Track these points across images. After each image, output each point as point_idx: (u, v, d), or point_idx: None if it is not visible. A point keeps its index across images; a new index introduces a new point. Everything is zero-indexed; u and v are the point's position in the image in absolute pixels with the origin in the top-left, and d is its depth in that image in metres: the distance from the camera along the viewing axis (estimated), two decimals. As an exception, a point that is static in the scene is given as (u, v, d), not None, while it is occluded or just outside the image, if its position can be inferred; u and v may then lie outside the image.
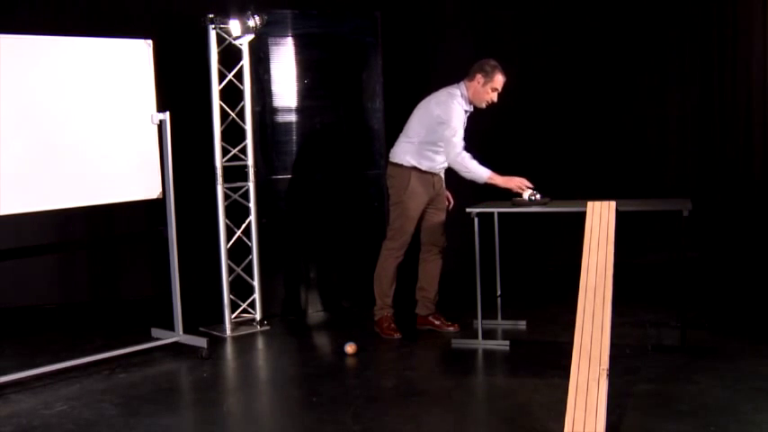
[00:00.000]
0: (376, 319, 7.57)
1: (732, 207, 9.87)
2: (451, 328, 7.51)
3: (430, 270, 7.61)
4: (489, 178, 7.15)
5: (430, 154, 7.36)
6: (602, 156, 10.14)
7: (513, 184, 7.16)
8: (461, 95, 7.33)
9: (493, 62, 7.35)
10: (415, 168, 7.35)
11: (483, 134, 10.08)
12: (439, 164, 7.43)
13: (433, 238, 7.53)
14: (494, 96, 7.33)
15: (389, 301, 7.54)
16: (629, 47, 10.08)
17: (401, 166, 7.39)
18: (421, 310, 7.68)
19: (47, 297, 9.04)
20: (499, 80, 7.30)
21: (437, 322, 7.59)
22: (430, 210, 7.48)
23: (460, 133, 7.26)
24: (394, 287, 7.57)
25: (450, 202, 7.62)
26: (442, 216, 7.53)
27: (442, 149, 7.30)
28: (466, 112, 7.36)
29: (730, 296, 8.52)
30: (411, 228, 7.42)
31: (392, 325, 7.49)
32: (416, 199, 7.38)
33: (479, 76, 7.30)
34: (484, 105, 7.36)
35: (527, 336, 7.42)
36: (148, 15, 8.93)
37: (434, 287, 7.63)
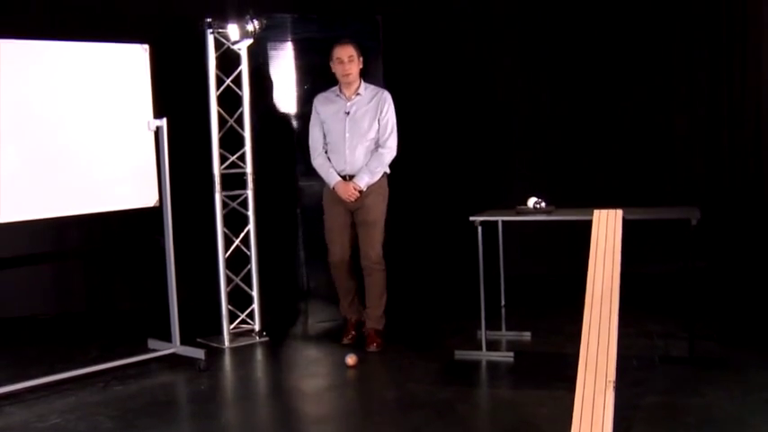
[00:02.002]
0: None
1: (742, 215, 9.85)
2: (372, 348, 7.43)
3: (366, 287, 7.62)
4: (332, 185, 7.44)
5: (331, 158, 7.50)
6: (608, 162, 10.15)
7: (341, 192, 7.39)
8: (332, 90, 7.60)
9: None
10: None
11: (487, 139, 10.16)
12: (341, 168, 7.45)
13: (361, 254, 7.56)
14: (340, 67, 7.42)
15: (345, 309, 7.72)
16: (636, 51, 10.08)
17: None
18: (366, 322, 7.66)
19: (41, 307, 9.05)
20: (336, 52, 7.45)
21: (367, 341, 7.53)
22: (355, 221, 7.53)
23: (313, 136, 7.58)
24: (349, 299, 7.66)
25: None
26: (364, 230, 7.50)
27: (338, 150, 7.44)
28: (335, 102, 7.50)
29: (739, 306, 8.52)
30: (331, 243, 7.54)
31: (346, 332, 7.67)
32: (329, 210, 7.53)
33: (331, 63, 7.51)
34: (345, 77, 7.43)
35: (532, 347, 7.43)
36: (145, 19, 8.94)
37: (371, 302, 7.59)
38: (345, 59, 7.37)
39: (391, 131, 7.49)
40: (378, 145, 7.46)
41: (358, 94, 7.47)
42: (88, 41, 6.91)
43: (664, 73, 10.10)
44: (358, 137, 7.39)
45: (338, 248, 7.52)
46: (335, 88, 7.55)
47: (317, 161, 7.51)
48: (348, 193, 7.33)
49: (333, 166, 7.42)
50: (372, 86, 7.58)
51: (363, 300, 7.64)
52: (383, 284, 7.57)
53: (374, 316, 7.59)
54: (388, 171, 7.53)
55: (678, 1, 10.02)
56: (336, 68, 7.43)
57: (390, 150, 7.49)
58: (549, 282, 9.81)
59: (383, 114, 7.48)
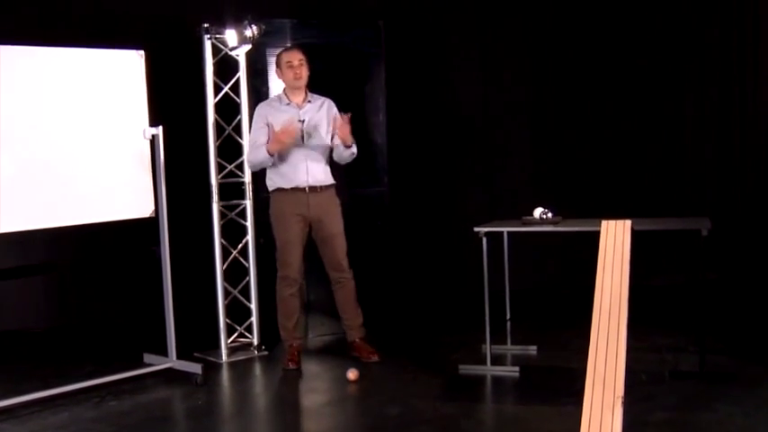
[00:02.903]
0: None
1: (754, 226, 9.86)
2: (374, 358, 7.49)
3: (338, 300, 7.61)
4: (267, 149, 7.22)
5: (283, 168, 7.34)
6: (617, 172, 10.15)
7: (281, 136, 7.16)
8: (275, 98, 7.54)
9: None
10: (278, 189, 7.37)
11: (492, 148, 10.16)
12: (301, 179, 7.33)
13: (331, 267, 7.54)
14: (293, 71, 7.31)
15: (290, 332, 7.52)
16: (644, 58, 10.08)
17: (268, 190, 7.48)
18: (348, 337, 7.69)
19: (33, 321, 9.06)
20: (286, 56, 7.38)
21: (355, 354, 7.56)
22: (317, 235, 7.47)
23: (253, 138, 7.38)
24: (296, 318, 7.53)
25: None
26: (331, 242, 7.46)
27: (294, 160, 7.31)
28: (285, 111, 7.35)
29: (751, 320, 8.51)
30: (291, 257, 7.38)
31: (291, 356, 7.47)
32: (284, 221, 7.36)
33: (276, 71, 7.46)
34: (296, 81, 7.33)
35: (538, 361, 7.42)
36: (140, 25, 8.95)
37: (351, 313, 7.61)
38: (296, 63, 7.31)
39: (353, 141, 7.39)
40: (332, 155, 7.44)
41: (309, 101, 7.43)
42: (82, 47, 6.92)
43: (674, 79, 10.11)
44: (318, 146, 7.34)
45: (296, 263, 7.40)
46: (279, 96, 7.48)
47: (250, 154, 7.38)
48: (291, 130, 7.14)
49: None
50: (316, 95, 7.50)
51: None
52: (356, 293, 7.59)
53: (356, 326, 7.61)
54: (334, 182, 7.49)
55: (690, 12, 10.02)
56: (286, 73, 7.33)
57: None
58: (556, 294, 9.81)
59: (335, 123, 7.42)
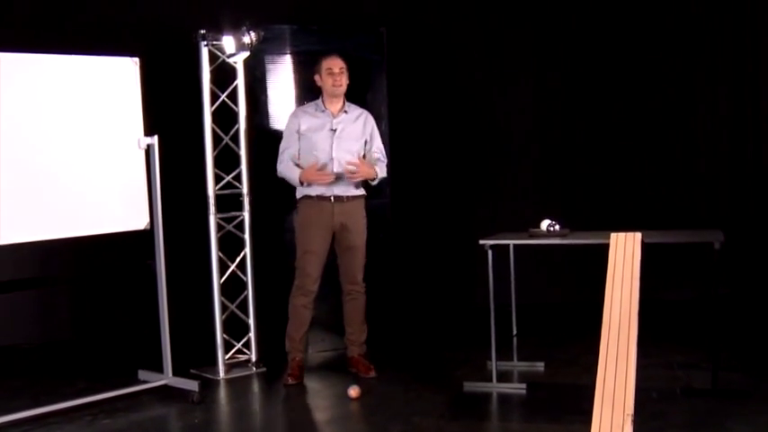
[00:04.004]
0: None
1: (767, 238, 9.86)
2: (371, 374, 7.51)
3: (346, 312, 7.67)
4: (300, 178, 7.35)
5: None
6: (626, 182, 10.15)
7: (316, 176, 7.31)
8: (311, 104, 7.59)
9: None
10: (305, 196, 7.46)
11: (498, 158, 10.16)
12: (322, 194, 7.41)
13: (345, 278, 7.60)
14: (333, 79, 7.38)
15: (296, 344, 7.56)
16: (655, 66, 10.09)
17: (296, 197, 7.55)
18: (348, 352, 7.73)
19: (26, 336, 9.05)
20: (326, 63, 7.43)
21: (353, 370, 7.61)
22: (339, 245, 7.52)
23: (284, 145, 7.48)
24: (304, 331, 7.57)
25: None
26: (352, 254, 7.53)
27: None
28: (319, 117, 7.45)
29: (765, 335, 8.51)
30: (309, 267, 7.43)
31: (292, 371, 7.49)
32: (309, 231, 7.43)
33: (316, 76, 7.49)
34: (336, 88, 7.39)
35: (545, 378, 7.41)
36: (135, 31, 8.96)
37: (356, 328, 7.66)
38: (337, 71, 7.38)
39: (384, 157, 7.59)
40: None
41: (345, 111, 7.48)
42: (74, 54, 6.92)
43: (685, 87, 10.12)
44: (346, 157, 7.38)
45: (315, 274, 7.44)
46: (316, 103, 7.55)
47: (282, 164, 7.46)
48: (324, 175, 7.26)
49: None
50: (354, 105, 7.58)
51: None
52: (365, 309, 7.64)
53: (359, 342, 7.66)
54: (363, 193, 7.55)
55: (701, 23, 10.04)
56: (326, 80, 7.40)
57: (385, 166, 7.57)
58: (564, 309, 9.80)
59: (372, 138, 7.55)
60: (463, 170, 10.15)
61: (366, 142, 7.50)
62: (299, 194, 7.48)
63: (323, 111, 7.44)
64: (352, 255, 7.50)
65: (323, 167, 7.28)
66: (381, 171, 7.49)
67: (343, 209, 7.40)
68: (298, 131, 7.41)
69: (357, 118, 7.50)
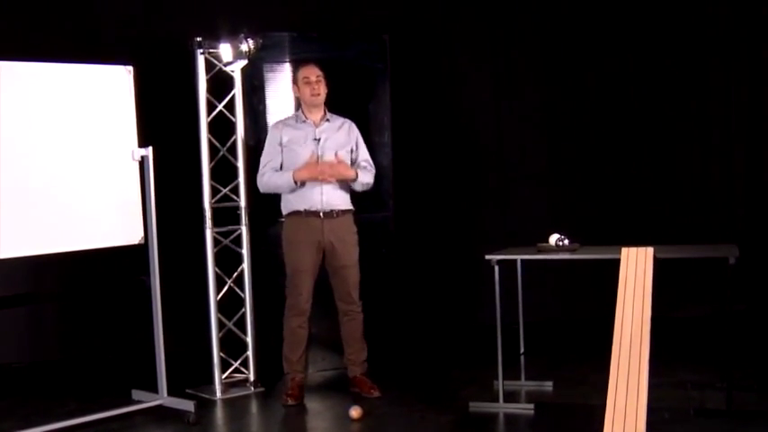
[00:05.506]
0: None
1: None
2: (375, 393, 7.50)
3: (344, 333, 7.66)
4: (294, 176, 7.29)
5: (298, 188, 7.37)
6: (638, 196, 10.14)
7: (314, 171, 7.29)
8: (291, 117, 7.61)
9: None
10: (293, 212, 7.43)
11: (505, 171, 10.16)
12: (316, 200, 7.38)
13: (341, 298, 7.60)
14: (310, 88, 7.39)
15: (294, 366, 7.54)
16: (667, 75, 10.10)
17: (282, 213, 7.53)
18: (349, 372, 7.72)
19: (14, 354, 9.05)
20: (303, 72, 7.47)
21: (355, 390, 7.60)
22: (329, 264, 7.51)
23: (265, 159, 7.45)
24: (301, 351, 7.55)
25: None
26: (345, 272, 7.52)
27: (309, 182, 7.35)
28: (300, 128, 7.45)
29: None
30: (301, 286, 7.41)
31: (291, 391, 7.49)
32: (297, 249, 7.42)
33: (293, 86, 7.61)
34: (314, 98, 7.40)
35: (554, 398, 7.40)
36: (129, 38, 8.96)
37: (355, 348, 7.65)
38: (314, 79, 7.39)
39: (372, 166, 7.57)
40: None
41: (327, 120, 7.48)
42: (65, 62, 6.92)
43: (699, 101, 10.11)
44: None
45: (306, 292, 7.43)
46: (296, 114, 7.57)
47: (266, 176, 7.41)
48: (323, 169, 7.25)
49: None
50: (336, 114, 7.57)
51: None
52: (363, 328, 7.63)
53: (360, 361, 7.65)
54: (352, 208, 7.54)
55: (715, 33, 10.06)
56: (303, 90, 7.41)
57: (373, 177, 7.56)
58: (573, 327, 9.79)
59: (357, 147, 7.55)
60: (468, 182, 10.15)
61: (352, 150, 7.49)
62: (285, 210, 7.44)
63: (304, 121, 7.44)
64: (345, 274, 7.50)
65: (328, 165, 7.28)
66: (365, 176, 7.44)
67: (333, 226, 7.38)
68: (280, 144, 7.39)
69: (340, 126, 7.51)
